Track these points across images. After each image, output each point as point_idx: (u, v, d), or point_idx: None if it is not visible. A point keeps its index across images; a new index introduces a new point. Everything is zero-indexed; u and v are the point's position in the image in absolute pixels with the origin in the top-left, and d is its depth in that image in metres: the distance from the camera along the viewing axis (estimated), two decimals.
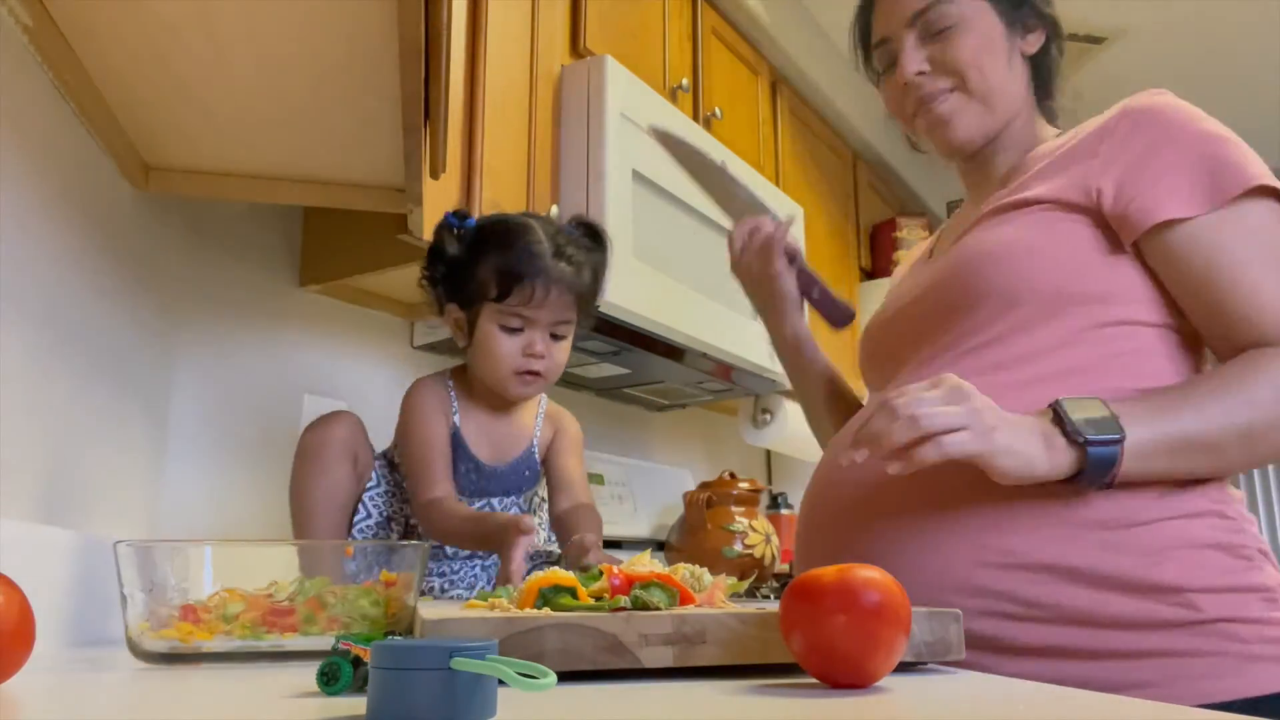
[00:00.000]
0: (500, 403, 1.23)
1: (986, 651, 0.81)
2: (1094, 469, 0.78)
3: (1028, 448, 0.77)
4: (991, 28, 1.01)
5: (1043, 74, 1.06)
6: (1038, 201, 0.92)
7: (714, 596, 0.70)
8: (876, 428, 0.77)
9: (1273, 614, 0.81)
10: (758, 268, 1.18)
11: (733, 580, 0.76)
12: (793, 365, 1.23)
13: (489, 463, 1.22)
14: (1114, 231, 0.89)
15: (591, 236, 1.24)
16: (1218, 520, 0.84)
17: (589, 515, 1.22)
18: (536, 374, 1.18)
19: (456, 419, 1.21)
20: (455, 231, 1.18)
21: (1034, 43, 1.04)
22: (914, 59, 1.02)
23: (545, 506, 1.31)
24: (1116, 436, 0.78)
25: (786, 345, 1.22)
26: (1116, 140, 0.91)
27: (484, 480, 1.21)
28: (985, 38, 1.00)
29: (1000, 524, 0.83)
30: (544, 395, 1.29)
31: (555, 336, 1.19)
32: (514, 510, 1.24)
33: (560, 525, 1.23)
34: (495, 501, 1.22)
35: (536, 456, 1.26)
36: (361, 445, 1.21)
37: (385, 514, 1.21)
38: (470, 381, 1.23)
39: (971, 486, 0.83)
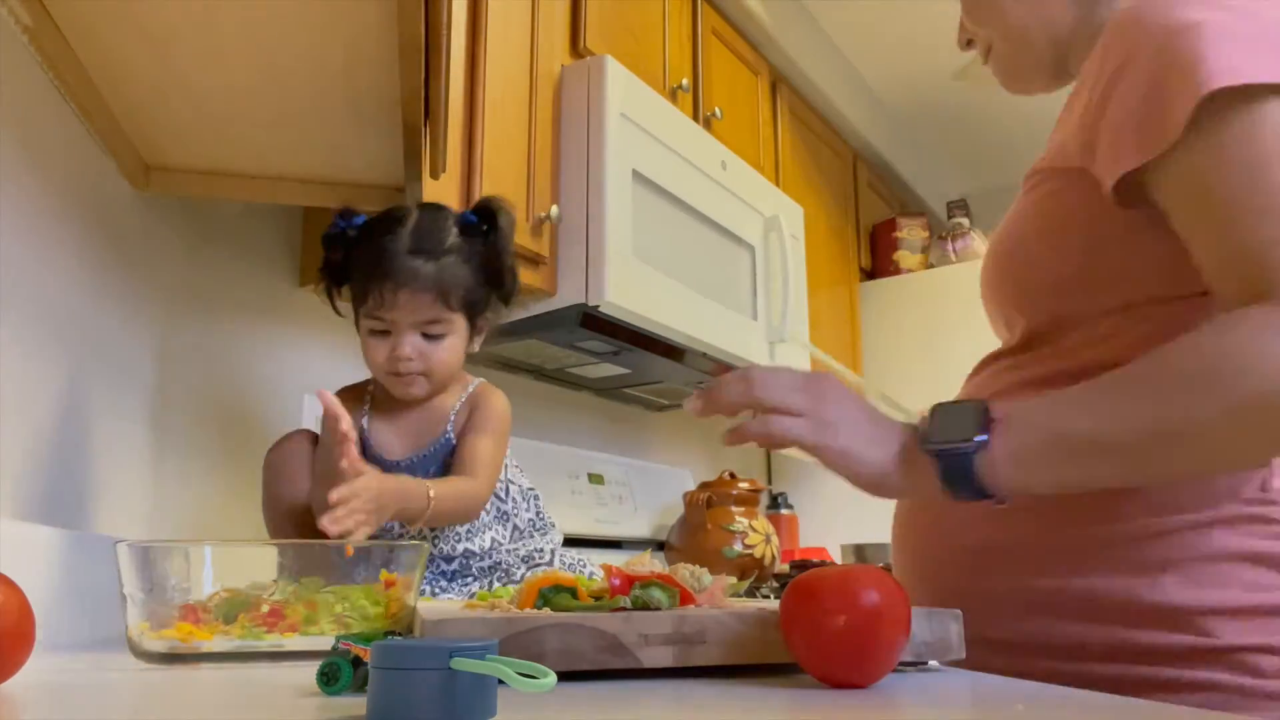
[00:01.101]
0: (405, 400, 1.19)
1: None
2: (950, 480, 0.68)
3: (869, 453, 0.71)
4: None
5: None
6: (1041, 170, 0.82)
7: (714, 596, 0.70)
8: (720, 387, 0.73)
9: None
10: None
11: (733, 580, 0.76)
12: None
13: (397, 458, 1.16)
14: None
15: (483, 221, 1.16)
16: (1253, 525, 0.71)
17: (453, 484, 1.13)
18: (411, 374, 1.13)
19: (365, 422, 1.17)
20: (344, 233, 1.13)
21: None
22: (961, 29, 0.96)
23: (513, 488, 1.25)
24: (967, 443, 0.67)
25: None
26: (1093, 67, 0.75)
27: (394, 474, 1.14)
28: None
29: (1002, 554, 0.77)
30: (473, 378, 1.23)
31: (430, 336, 1.13)
32: None
33: None
34: None
35: (453, 440, 1.19)
36: None
37: None
38: None
39: (988, 520, 0.76)
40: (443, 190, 1.35)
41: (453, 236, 1.13)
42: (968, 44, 0.96)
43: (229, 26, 0.86)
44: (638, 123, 1.69)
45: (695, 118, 2.03)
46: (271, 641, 0.67)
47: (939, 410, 0.71)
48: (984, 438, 0.67)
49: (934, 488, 0.69)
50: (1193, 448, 0.64)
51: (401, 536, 1.16)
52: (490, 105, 1.49)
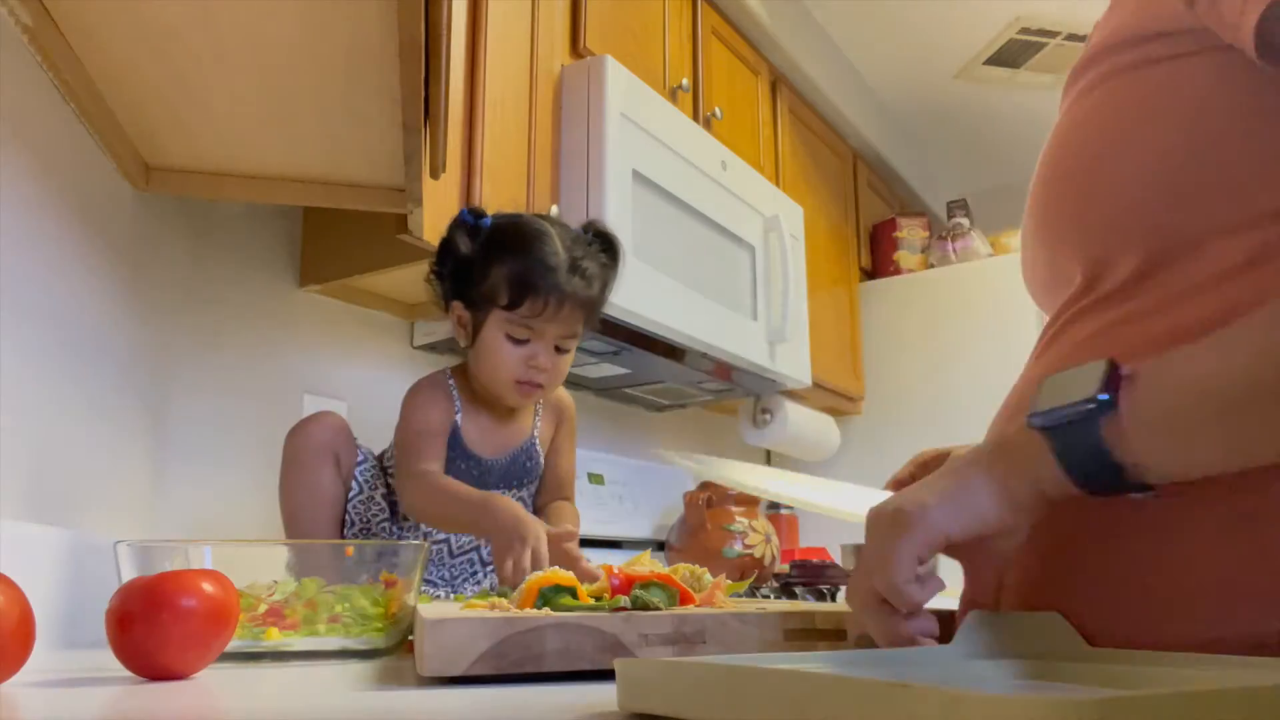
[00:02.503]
0: (501, 403, 1.23)
1: None
2: (1072, 463, 0.51)
3: (966, 491, 0.54)
4: None
5: None
6: (1107, 50, 0.62)
7: (714, 596, 0.70)
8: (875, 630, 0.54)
9: None
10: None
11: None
12: None
13: (488, 456, 1.21)
14: (1231, 50, 0.55)
15: (606, 246, 1.21)
16: None
17: (569, 511, 1.25)
18: (538, 385, 1.16)
19: (459, 418, 1.20)
20: (470, 228, 1.16)
21: None
22: None
23: None
24: (1088, 403, 0.49)
25: None
26: None
27: (484, 474, 1.20)
28: None
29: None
30: None
31: (560, 349, 1.17)
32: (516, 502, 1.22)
33: (539, 515, 1.24)
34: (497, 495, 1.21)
35: (538, 448, 1.25)
36: (344, 445, 1.19)
37: (365, 520, 1.19)
38: (470, 381, 1.22)
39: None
40: (443, 190, 1.35)
41: (599, 261, 1.18)
42: None
43: (229, 26, 0.86)
44: (638, 123, 1.69)
45: (695, 118, 2.03)
46: (271, 642, 0.67)
47: (1046, 382, 0.53)
48: (1106, 396, 0.49)
49: (1055, 482, 0.52)
50: None
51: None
52: (490, 105, 1.49)
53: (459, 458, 1.19)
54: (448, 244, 1.17)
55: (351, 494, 1.18)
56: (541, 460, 1.26)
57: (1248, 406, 0.47)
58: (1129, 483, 0.50)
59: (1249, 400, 0.47)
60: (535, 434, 1.25)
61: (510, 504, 1.06)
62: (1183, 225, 0.58)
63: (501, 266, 1.13)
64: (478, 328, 1.17)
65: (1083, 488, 0.51)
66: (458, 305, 1.18)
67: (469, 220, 1.16)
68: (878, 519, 0.55)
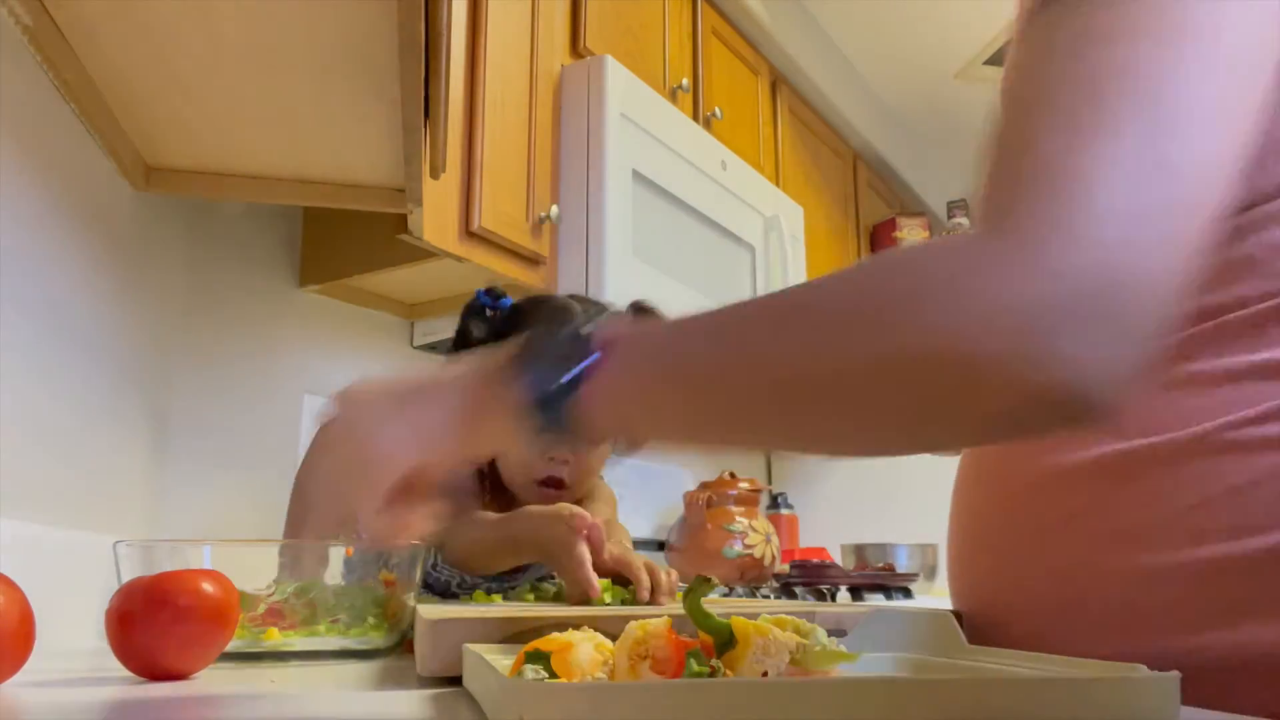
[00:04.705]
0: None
1: None
2: (535, 407, 0.49)
3: (424, 414, 0.53)
4: None
5: None
6: None
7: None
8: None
9: None
10: None
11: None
12: None
13: None
14: None
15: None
16: None
17: (615, 528, 1.12)
18: (560, 483, 1.06)
19: None
20: (488, 313, 1.10)
21: None
22: None
23: None
24: (574, 360, 0.48)
25: None
26: None
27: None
28: None
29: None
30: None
31: None
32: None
33: None
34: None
35: None
36: None
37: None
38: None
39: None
40: (443, 190, 1.35)
41: None
42: None
43: (229, 27, 0.86)
44: (638, 123, 1.69)
45: (695, 118, 2.03)
46: (271, 642, 0.67)
47: (532, 338, 0.51)
48: (586, 364, 0.48)
49: (504, 432, 0.51)
50: (832, 408, 0.43)
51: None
52: (490, 105, 1.49)
53: None
54: (462, 332, 1.10)
55: None
56: None
57: (702, 397, 0.46)
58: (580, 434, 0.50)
59: (707, 391, 0.46)
60: None
61: (539, 507, 0.96)
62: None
63: None
64: None
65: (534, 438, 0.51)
66: None
67: (486, 303, 1.10)
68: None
